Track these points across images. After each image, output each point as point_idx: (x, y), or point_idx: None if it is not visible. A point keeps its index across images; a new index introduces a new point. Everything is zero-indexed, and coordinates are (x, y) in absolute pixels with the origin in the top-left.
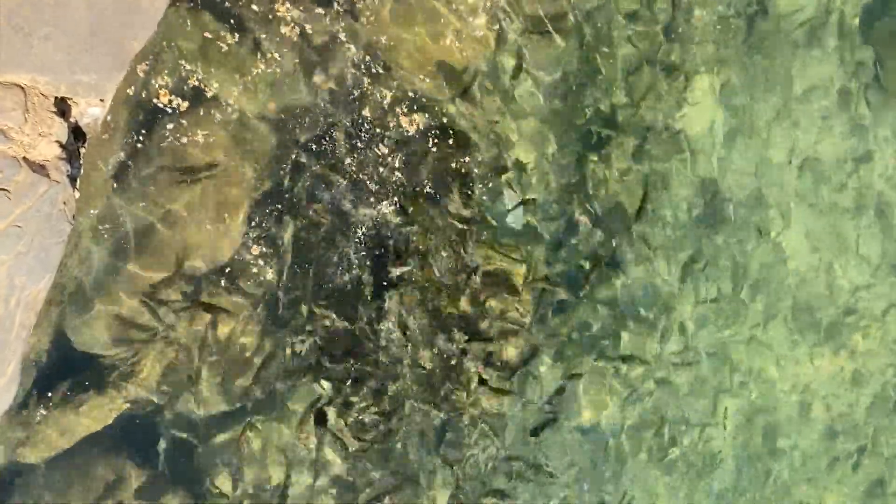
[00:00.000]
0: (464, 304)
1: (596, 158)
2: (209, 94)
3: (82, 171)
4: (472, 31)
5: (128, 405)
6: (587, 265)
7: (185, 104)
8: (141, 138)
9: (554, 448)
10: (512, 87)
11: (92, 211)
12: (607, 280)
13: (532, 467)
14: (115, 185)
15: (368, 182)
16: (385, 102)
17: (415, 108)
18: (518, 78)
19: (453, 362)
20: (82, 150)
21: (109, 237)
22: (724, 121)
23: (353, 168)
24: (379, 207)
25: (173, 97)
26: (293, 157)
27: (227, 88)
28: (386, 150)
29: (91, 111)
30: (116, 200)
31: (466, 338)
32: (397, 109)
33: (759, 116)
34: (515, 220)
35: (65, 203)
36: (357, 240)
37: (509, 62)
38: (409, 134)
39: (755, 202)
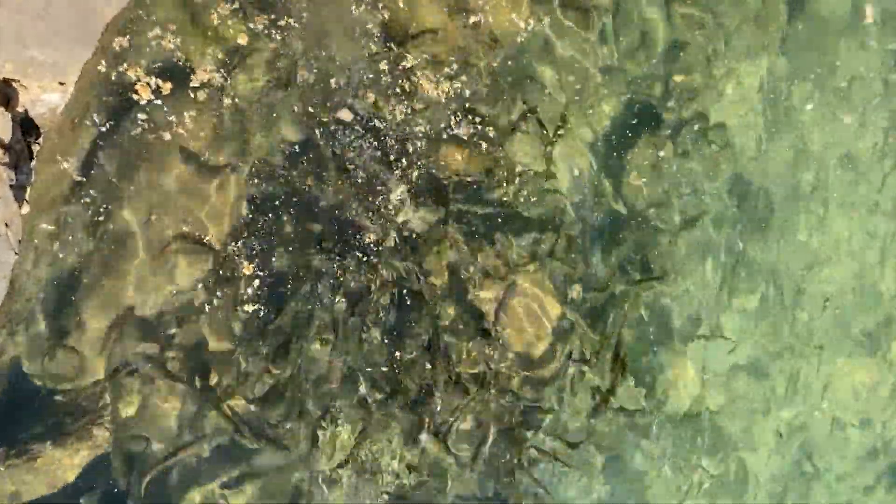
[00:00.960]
0: None
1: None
2: (201, 75)
3: (34, 176)
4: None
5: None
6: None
7: (168, 86)
8: (112, 130)
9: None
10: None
11: (45, 226)
12: (648, 288)
13: None
14: (77, 191)
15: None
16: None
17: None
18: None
19: None
20: (35, 149)
21: (70, 256)
22: (763, 112)
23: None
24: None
25: (153, 78)
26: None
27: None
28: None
29: (47, 98)
30: (77, 210)
31: None
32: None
33: (800, 108)
34: None
35: (6, 225)
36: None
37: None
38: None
39: (793, 202)
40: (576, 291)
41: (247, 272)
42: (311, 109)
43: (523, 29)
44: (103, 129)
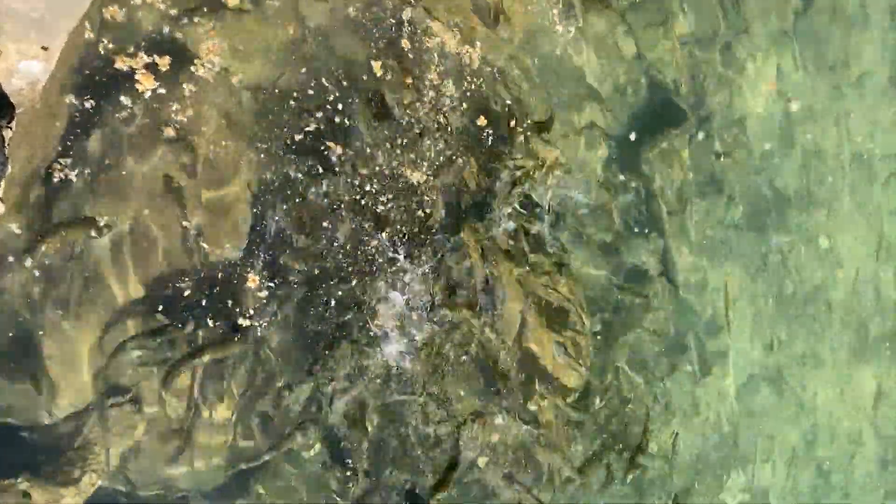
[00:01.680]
0: None
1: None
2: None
3: (9, 167)
4: None
5: None
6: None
7: (166, 61)
8: (99, 112)
9: None
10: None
11: (15, 227)
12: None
13: None
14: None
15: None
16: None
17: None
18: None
19: None
20: (7, 135)
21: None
22: (781, 106)
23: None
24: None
25: (149, 54)
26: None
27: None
28: None
29: (26, 67)
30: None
31: None
32: None
33: (816, 103)
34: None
35: None
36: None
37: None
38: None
39: (806, 202)
40: None
41: None
42: None
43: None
44: (86, 111)
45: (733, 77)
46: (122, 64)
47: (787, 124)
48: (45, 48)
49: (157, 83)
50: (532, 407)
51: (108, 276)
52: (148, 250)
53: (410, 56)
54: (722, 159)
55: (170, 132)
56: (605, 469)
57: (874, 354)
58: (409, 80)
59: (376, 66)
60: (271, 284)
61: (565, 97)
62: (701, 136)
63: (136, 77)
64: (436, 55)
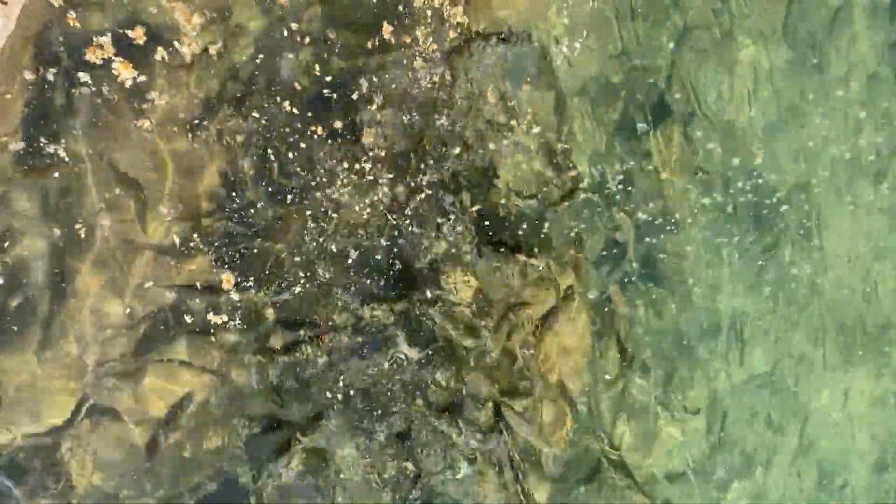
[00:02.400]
0: None
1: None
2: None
3: None
4: None
5: None
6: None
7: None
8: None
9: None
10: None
11: None
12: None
13: None
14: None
15: None
16: None
17: None
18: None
19: None
20: None
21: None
22: (767, 103)
23: None
24: None
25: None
26: None
27: None
28: None
29: None
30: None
31: None
32: None
33: (800, 100)
34: None
35: None
36: None
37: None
38: None
39: (795, 199)
40: None
41: None
42: None
43: None
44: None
45: (722, 73)
46: (93, 56)
47: (775, 122)
48: (3, 2)
49: (137, 71)
50: None
51: None
52: None
53: None
54: (710, 157)
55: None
56: None
57: (867, 356)
58: None
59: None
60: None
61: None
62: (689, 132)
63: (114, 67)
64: None
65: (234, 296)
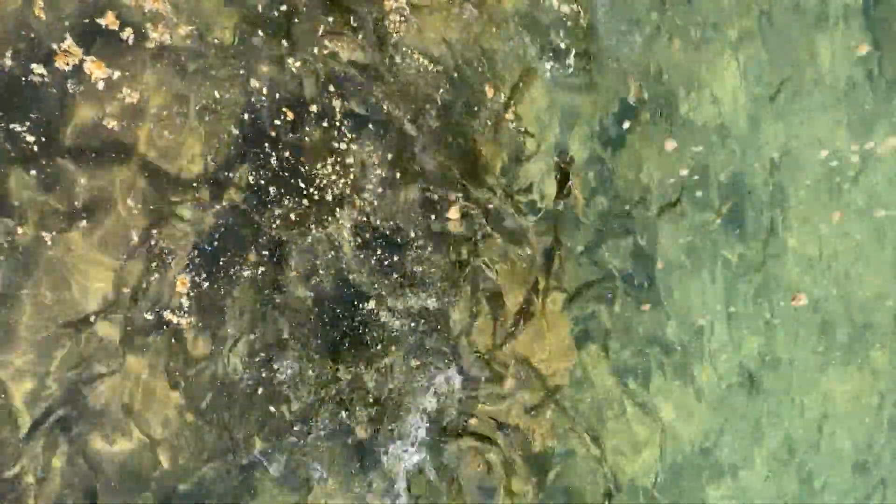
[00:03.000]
0: None
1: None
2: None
3: None
4: None
5: None
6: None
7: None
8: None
9: None
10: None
11: None
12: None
13: None
14: None
15: None
16: None
17: None
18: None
19: None
20: None
21: None
22: (747, 104)
23: None
24: None
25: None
26: None
27: None
28: None
29: None
30: None
31: None
32: None
33: (779, 100)
34: None
35: None
36: None
37: None
38: None
39: (773, 202)
40: None
41: None
42: None
43: None
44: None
45: (700, 77)
46: (63, 63)
47: (753, 125)
48: None
49: (111, 70)
50: None
51: None
52: None
53: None
54: (690, 161)
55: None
56: None
57: (846, 358)
58: None
59: None
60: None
61: None
62: (667, 136)
63: (85, 68)
64: None
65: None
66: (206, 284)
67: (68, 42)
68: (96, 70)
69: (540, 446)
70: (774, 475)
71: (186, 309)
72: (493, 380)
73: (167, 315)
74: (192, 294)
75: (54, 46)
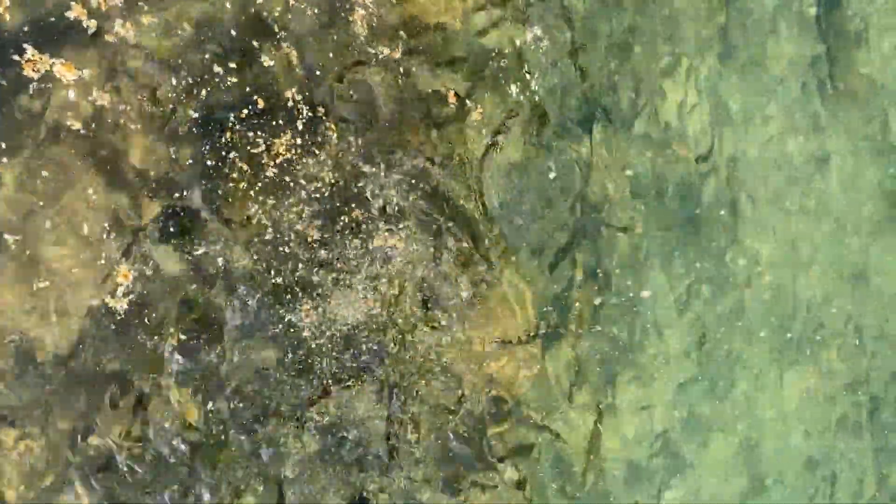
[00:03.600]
0: None
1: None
2: None
3: None
4: None
5: None
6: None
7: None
8: None
9: None
10: None
11: None
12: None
13: None
14: None
15: None
16: None
17: None
18: None
19: None
20: None
21: None
22: (707, 110)
23: None
24: None
25: None
26: None
27: None
28: None
29: None
30: None
31: None
32: None
33: (737, 107)
34: None
35: None
36: None
37: None
38: None
39: (729, 204)
40: None
41: None
42: None
43: None
44: None
45: (658, 82)
46: (31, 71)
47: (709, 129)
48: None
49: (80, 71)
50: None
51: None
52: None
53: None
54: (646, 161)
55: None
56: None
57: (797, 356)
58: None
59: None
60: None
61: None
62: (627, 137)
63: (55, 72)
64: None
65: None
66: None
67: (34, 51)
68: (67, 73)
69: None
70: (726, 472)
71: None
72: None
73: None
74: None
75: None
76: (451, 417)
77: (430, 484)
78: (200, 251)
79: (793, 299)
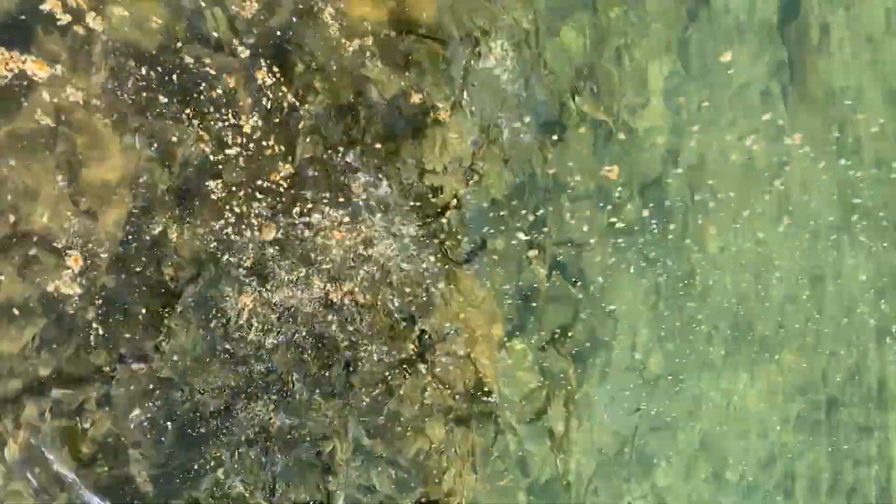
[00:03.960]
0: None
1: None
2: None
3: None
4: None
5: None
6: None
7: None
8: None
9: None
10: None
11: None
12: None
13: None
14: None
15: None
16: None
17: None
18: None
19: None
20: None
21: None
22: (671, 115)
23: None
24: None
25: None
26: None
27: None
28: None
29: None
30: None
31: None
32: None
33: (703, 112)
34: None
35: None
36: None
37: None
38: None
39: (692, 207)
40: None
41: None
42: None
43: None
44: None
45: (625, 84)
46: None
47: (675, 132)
48: None
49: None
50: None
51: None
52: None
53: None
54: (615, 165)
55: None
56: None
57: (758, 357)
58: None
59: None
60: None
61: None
62: (594, 140)
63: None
64: None
65: None
66: None
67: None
68: (39, 70)
69: None
70: (687, 470)
71: None
72: None
73: None
74: None
75: None
76: None
77: None
78: None
79: (753, 300)
